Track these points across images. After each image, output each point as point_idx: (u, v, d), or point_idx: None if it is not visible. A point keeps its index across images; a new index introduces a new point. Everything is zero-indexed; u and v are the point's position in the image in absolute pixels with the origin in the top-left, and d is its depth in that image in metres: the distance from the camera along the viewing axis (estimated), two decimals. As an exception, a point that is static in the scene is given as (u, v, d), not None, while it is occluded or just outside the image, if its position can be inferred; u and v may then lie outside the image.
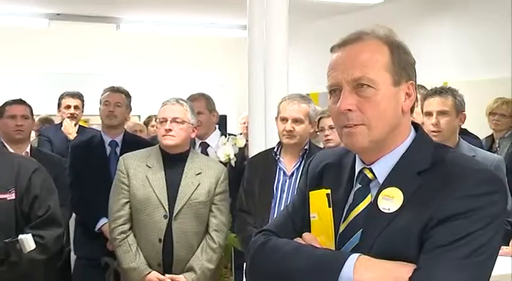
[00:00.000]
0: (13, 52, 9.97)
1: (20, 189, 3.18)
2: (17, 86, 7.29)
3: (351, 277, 1.59)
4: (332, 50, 1.76)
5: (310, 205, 1.82)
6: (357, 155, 1.78)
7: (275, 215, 3.63)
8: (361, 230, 1.69)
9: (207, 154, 4.53)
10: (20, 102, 4.62)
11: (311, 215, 1.81)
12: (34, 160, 3.50)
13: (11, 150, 3.75)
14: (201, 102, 4.62)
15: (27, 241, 3.03)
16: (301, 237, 1.78)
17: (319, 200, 1.80)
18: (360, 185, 1.75)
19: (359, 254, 1.63)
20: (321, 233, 1.77)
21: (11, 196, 3.15)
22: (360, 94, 1.66)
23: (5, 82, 8.73)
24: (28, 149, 4.48)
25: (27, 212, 3.19)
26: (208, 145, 4.81)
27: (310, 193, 1.84)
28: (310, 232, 1.80)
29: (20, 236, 3.04)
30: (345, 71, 1.69)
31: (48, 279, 3.83)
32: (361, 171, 1.76)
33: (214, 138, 4.85)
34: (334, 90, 1.72)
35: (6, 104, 4.58)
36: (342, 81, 1.68)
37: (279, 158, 3.81)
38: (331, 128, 4.18)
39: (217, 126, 5.13)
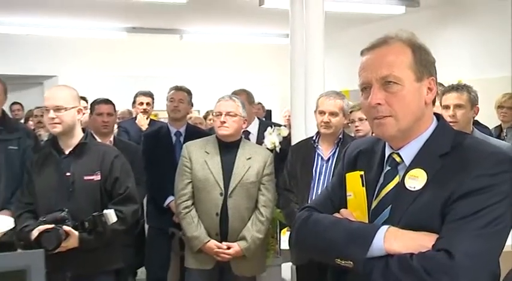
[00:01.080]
0: (98, 59, 10.19)
1: (104, 172, 3.25)
2: (102, 87, 7.44)
3: (382, 245, 1.57)
4: (362, 53, 1.75)
5: (346, 185, 1.80)
6: (386, 142, 1.76)
7: (314, 194, 3.63)
8: (390, 206, 1.67)
9: (248, 140, 4.49)
10: (106, 101, 4.70)
11: (347, 194, 1.79)
12: (115, 148, 3.57)
13: (98, 140, 3.80)
14: (243, 96, 4.56)
15: (111, 215, 3.10)
16: (338, 213, 1.76)
17: (354, 180, 1.78)
18: (389, 168, 1.72)
19: (388, 226, 1.61)
20: (356, 209, 1.75)
21: (97, 177, 3.23)
22: (388, 90, 1.64)
23: (93, 83, 8.84)
24: (112, 139, 4.56)
25: (109, 190, 3.26)
26: (250, 132, 4.79)
27: (347, 174, 1.82)
28: (346, 208, 1.77)
29: (105, 211, 3.11)
30: (374, 70, 1.67)
31: (127, 244, 3.93)
32: (390, 155, 1.73)
33: (253, 127, 4.86)
34: (365, 88, 1.69)
35: (95, 102, 4.66)
36: (372, 80, 1.66)
37: (317, 146, 3.77)
38: (360, 119, 4.18)
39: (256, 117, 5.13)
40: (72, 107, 3.23)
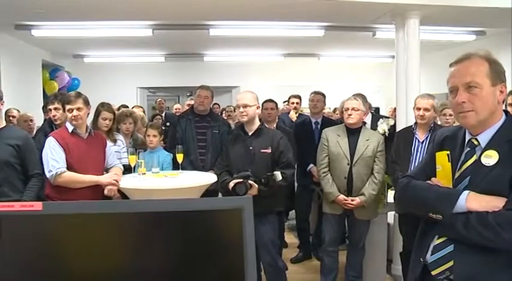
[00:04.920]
0: (265, 74, 10.41)
1: (273, 147, 3.32)
2: (268, 92, 7.61)
3: (464, 204, 1.52)
4: (451, 65, 1.68)
5: (436, 161, 1.74)
6: (466, 130, 1.68)
7: (412, 165, 3.52)
8: (469, 176, 1.60)
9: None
10: (271, 101, 4.80)
11: (437, 167, 1.73)
12: (279, 132, 3.62)
13: (267, 126, 3.93)
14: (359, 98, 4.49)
15: (278, 175, 3.19)
16: (430, 180, 1.71)
17: (442, 157, 1.72)
18: (469, 149, 1.65)
19: (469, 191, 1.55)
20: (442, 178, 1.69)
21: (269, 151, 3.32)
22: (470, 92, 1.58)
23: (262, 90, 8.99)
24: (275, 125, 4.62)
25: (276, 159, 3.32)
26: (365, 122, 4.65)
27: (436, 153, 1.75)
28: (436, 177, 1.72)
29: (274, 172, 3.20)
30: (460, 78, 1.60)
31: (285, 195, 3.96)
32: (470, 140, 1.66)
33: (368, 118, 4.69)
34: (453, 90, 1.64)
35: (264, 102, 4.73)
36: (458, 84, 1.60)
37: (415, 132, 3.64)
38: (450, 115, 3.95)
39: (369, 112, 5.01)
40: (253, 105, 3.34)
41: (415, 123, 3.67)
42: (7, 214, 1.04)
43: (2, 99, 3.01)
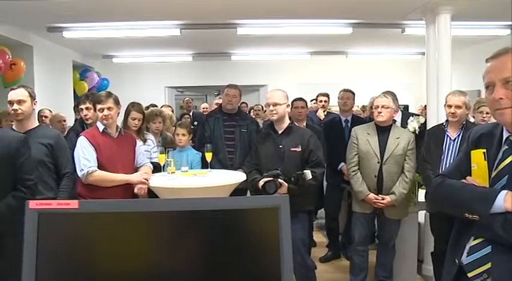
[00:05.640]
0: (292, 73, 10.37)
1: (303, 146, 3.31)
2: (295, 90, 7.58)
3: (502, 204, 1.45)
4: (487, 60, 1.59)
5: (471, 159, 1.67)
6: (504, 127, 1.60)
7: (444, 164, 3.44)
8: (507, 175, 1.52)
9: (394, 125, 4.38)
10: (301, 99, 4.79)
11: (472, 165, 1.66)
12: (309, 130, 3.59)
13: (296, 124, 3.90)
14: (389, 95, 4.41)
15: (308, 174, 3.17)
16: (465, 179, 1.64)
17: (478, 156, 1.65)
18: (507, 147, 1.57)
19: (507, 191, 1.48)
20: (478, 177, 1.62)
21: (299, 149, 3.30)
22: (508, 88, 1.50)
23: (289, 88, 8.98)
24: (304, 124, 4.59)
25: (306, 158, 3.31)
26: (395, 120, 4.57)
27: (472, 151, 1.68)
28: (471, 176, 1.64)
29: (304, 171, 3.18)
30: (497, 73, 1.52)
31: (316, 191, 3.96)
32: (507, 138, 1.58)
33: (398, 116, 4.59)
34: (489, 86, 1.56)
35: (293, 100, 4.71)
36: (495, 80, 1.52)
37: (446, 129, 3.56)
38: (487, 113, 3.86)
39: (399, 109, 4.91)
40: (284, 103, 3.33)
41: (446, 120, 3.59)
42: (45, 211, 1.06)
43: (35, 99, 3.09)
